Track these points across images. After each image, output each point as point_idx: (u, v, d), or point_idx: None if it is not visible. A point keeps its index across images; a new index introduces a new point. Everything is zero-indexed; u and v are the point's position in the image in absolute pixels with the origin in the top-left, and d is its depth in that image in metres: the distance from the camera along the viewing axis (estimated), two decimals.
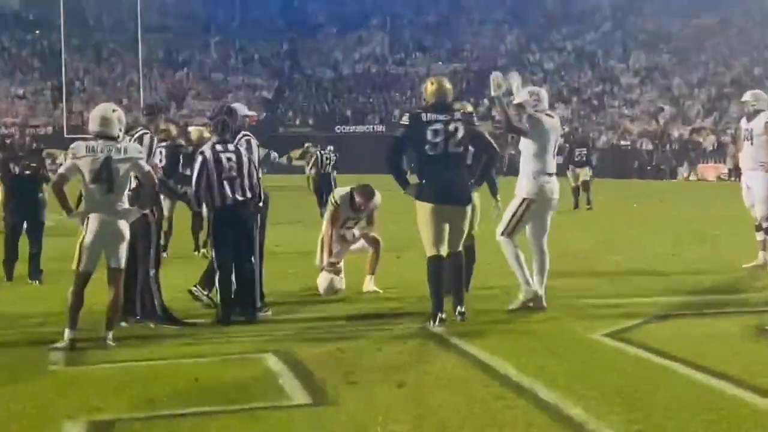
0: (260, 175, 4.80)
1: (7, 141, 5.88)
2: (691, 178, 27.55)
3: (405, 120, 4.53)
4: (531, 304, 4.73)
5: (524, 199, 4.71)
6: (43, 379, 3.45)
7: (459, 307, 4.45)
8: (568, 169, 13.10)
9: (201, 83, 43.41)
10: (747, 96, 6.61)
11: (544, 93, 5.02)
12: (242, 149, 4.68)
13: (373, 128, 37.90)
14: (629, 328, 4.28)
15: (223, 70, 44.64)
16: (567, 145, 16.05)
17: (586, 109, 37.00)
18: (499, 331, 4.33)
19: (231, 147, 4.64)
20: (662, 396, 3.02)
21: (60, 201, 4.02)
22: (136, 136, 4.54)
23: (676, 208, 13.78)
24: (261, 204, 4.76)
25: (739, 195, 6.78)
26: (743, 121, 6.58)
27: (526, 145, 4.78)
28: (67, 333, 3.91)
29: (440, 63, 42.93)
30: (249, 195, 4.58)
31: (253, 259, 4.67)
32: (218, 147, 4.61)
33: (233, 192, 4.52)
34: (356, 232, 5.56)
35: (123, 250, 4.01)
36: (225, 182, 4.52)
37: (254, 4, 47.65)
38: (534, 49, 42.34)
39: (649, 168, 29.68)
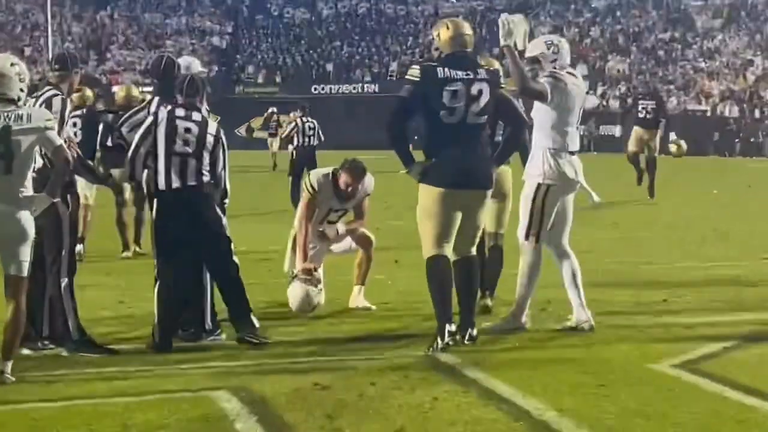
0: (225, 156, 4.84)
1: None
2: None
3: (414, 74, 4.50)
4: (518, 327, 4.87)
5: (540, 185, 4.75)
6: None
7: (470, 330, 4.47)
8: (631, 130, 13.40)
9: (130, 27, 43.25)
10: None
11: (565, 44, 5.04)
12: (210, 122, 4.71)
13: (362, 88, 37.87)
14: (707, 357, 4.32)
15: (160, 9, 44.46)
16: (630, 99, 16.19)
17: (649, 62, 36.83)
18: (529, 361, 4.35)
19: (197, 116, 4.67)
20: None
21: None
22: (44, 98, 4.53)
23: None
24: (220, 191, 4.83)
25: None
26: None
27: (542, 114, 4.80)
28: None
29: (453, 0, 42.80)
30: (205, 179, 4.62)
31: (232, 261, 4.73)
32: (179, 112, 4.64)
33: (184, 174, 4.55)
34: (341, 227, 5.57)
35: (26, 252, 3.98)
36: (174, 159, 4.56)
37: None
38: None
39: (736, 141, 29.87)
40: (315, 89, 36.82)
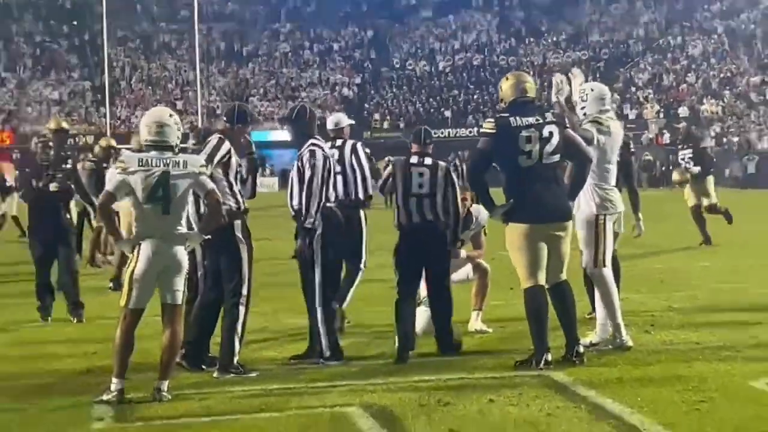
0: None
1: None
2: None
3: (489, 127, 4.65)
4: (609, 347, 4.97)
5: (597, 216, 4.92)
6: None
7: (576, 347, 4.54)
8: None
9: (269, 80, 45.10)
10: None
11: (598, 92, 5.17)
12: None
13: (477, 132, 37.94)
14: None
15: (296, 64, 46.15)
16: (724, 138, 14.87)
17: (741, 105, 35.59)
18: (634, 378, 4.30)
19: (428, 161, 5.07)
20: None
21: (107, 225, 4.28)
22: (212, 143, 4.72)
23: None
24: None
25: None
26: None
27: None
28: (114, 383, 4.03)
29: (559, 51, 42.41)
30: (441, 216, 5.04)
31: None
32: (413, 160, 5.08)
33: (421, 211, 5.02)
34: (463, 253, 5.66)
35: (180, 282, 4.15)
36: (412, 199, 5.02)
37: None
38: (676, 32, 41.39)
39: None
40: (435, 133, 37.26)
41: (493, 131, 4.59)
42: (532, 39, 44.32)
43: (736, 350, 4.80)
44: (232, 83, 44.51)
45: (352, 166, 5.92)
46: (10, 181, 12.23)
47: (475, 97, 41.54)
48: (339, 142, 6.01)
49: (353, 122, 6.81)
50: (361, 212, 6.00)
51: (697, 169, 10.78)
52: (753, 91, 36.15)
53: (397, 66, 45.63)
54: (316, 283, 4.85)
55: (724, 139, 32.50)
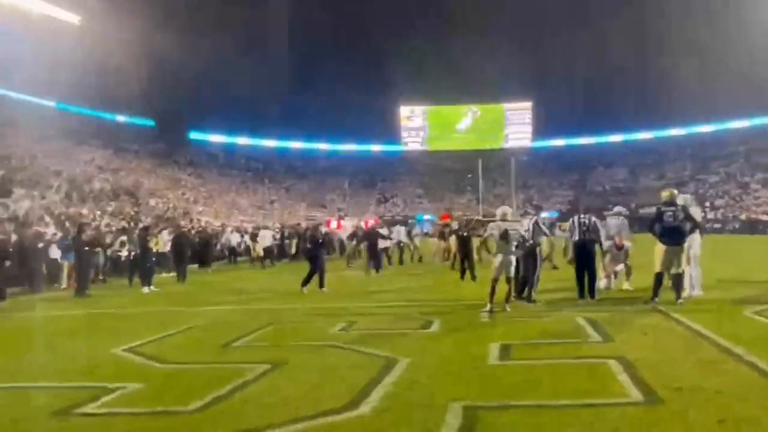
0: None
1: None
2: None
3: (653, 210, 10.28)
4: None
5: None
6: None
7: (679, 299, 9.84)
8: None
9: None
10: None
11: (680, 199, 10.44)
12: None
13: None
14: None
15: None
16: None
17: None
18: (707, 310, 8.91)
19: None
20: None
21: None
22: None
23: None
24: None
25: None
26: None
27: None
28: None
29: None
30: None
31: None
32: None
33: None
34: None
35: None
36: None
37: None
38: None
39: None
40: None
41: (655, 210, 10.18)
42: None
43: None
44: None
45: None
46: None
47: None
48: None
49: None
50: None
51: None
52: None
53: None
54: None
55: None
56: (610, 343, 7.33)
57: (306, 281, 14.37)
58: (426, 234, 39.38)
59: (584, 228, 10.92)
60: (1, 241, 17.19)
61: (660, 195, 10.40)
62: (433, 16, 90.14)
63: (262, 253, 26.64)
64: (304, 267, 15.26)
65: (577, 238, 10.94)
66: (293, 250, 29.44)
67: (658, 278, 10.10)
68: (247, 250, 29.36)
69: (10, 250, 16.96)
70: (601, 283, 11.69)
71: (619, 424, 4.56)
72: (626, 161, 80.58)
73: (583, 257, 10.85)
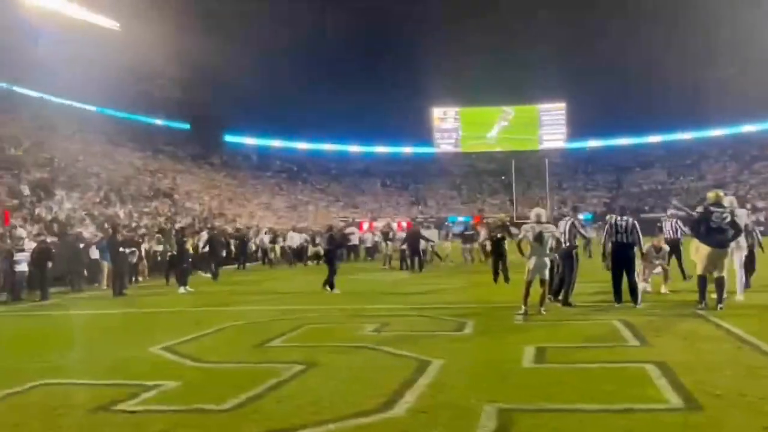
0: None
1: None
2: None
3: (699, 210, 9.92)
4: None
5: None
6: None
7: (719, 305, 9.54)
8: None
9: None
10: None
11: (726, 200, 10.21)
12: None
13: None
14: None
15: None
16: None
17: None
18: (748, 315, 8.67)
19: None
20: None
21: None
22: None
23: None
24: None
25: None
26: None
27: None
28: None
29: None
30: None
31: None
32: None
33: None
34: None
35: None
36: None
37: None
38: None
39: None
40: None
41: (702, 210, 9.86)
42: None
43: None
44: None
45: None
46: None
47: None
48: None
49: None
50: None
51: None
52: None
53: None
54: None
55: None
56: (648, 347, 7.21)
57: (328, 282, 14.57)
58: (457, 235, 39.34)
59: (622, 230, 10.50)
60: (44, 243, 17.63)
61: (706, 196, 10.11)
62: (465, 16, 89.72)
63: (285, 254, 27.41)
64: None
65: (614, 241, 10.53)
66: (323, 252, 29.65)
67: (703, 281, 9.77)
68: (277, 251, 29.68)
69: (53, 251, 17.39)
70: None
71: (657, 431, 4.47)
72: (664, 162, 79.08)
73: (622, 262, 10.46)
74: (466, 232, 24.96)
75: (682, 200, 54.26)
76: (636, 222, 10.66)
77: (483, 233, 22.36)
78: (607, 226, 10.78)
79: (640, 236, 10.64)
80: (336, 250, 15.35)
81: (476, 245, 23.28)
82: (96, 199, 35.94)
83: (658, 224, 14.47)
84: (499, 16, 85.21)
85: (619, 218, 10.62)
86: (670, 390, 5.34)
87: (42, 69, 49.42)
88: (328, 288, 14.48)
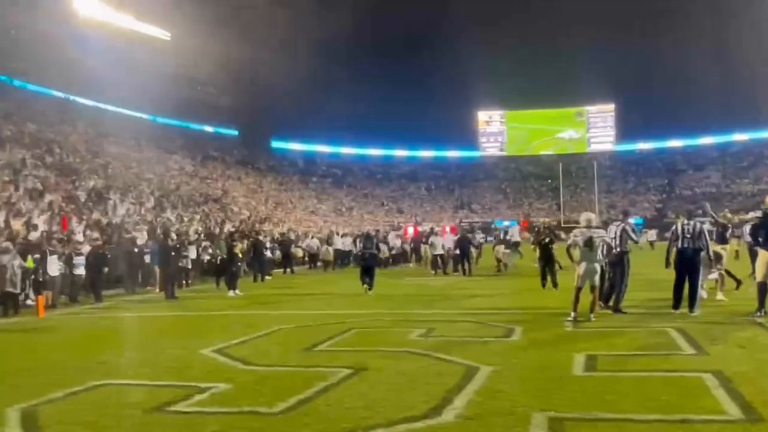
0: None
1: None
2: None
3: (758, 214, 9.61)
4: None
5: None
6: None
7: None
8: None
9: None
10: None
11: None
12: None
13: None
14: None
15: None
16: None
17: None
18: None
19: None
20: None
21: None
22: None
23: None
24: None
25: None
26: None
27: None
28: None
29: None
30: None
31: None
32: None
33: None
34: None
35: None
36: None
37: None
38: None
39: None
40: None
41: (760, 214, 9.59)
42: None
43: None
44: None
45: None
46: None
47: None
48: None
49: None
50: None
51: None
52: None
53: None
54: None
55: None
56: (704, 356, 6.99)
57: (366, 283, 15.29)
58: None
59: (688, 235, 10.05)
60: (99, 247, 18.18)
61: (764, 200, 9.72)
62: (510, 19, 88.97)
63: (331, 258, 27.88)
64: (380, 272, 15.81)
65: (680, 246, 10.10)
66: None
67: (762, 288, 9.45)
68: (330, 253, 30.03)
69: (108, 256, 17.91)
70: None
71: None
72: (718, 164, 76.73)
73: (686, 266, 10.03)
74: (508, 237, 24.78)
75: (739, 204, 52.51)
76: (704, 227, 10.21)
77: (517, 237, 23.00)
78: (672, 230, 10.37)
79: (708, 241, 10.20)
80: (376, 255, 16.27)
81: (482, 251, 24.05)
82: (148, 204, 36.89)
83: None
84: (546, 18, 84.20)
85: (686, 222, 10.20)
86: (728, 401, 5.17)
87: (97, 79, 51.08)
88: (368, 291, 15.19)
